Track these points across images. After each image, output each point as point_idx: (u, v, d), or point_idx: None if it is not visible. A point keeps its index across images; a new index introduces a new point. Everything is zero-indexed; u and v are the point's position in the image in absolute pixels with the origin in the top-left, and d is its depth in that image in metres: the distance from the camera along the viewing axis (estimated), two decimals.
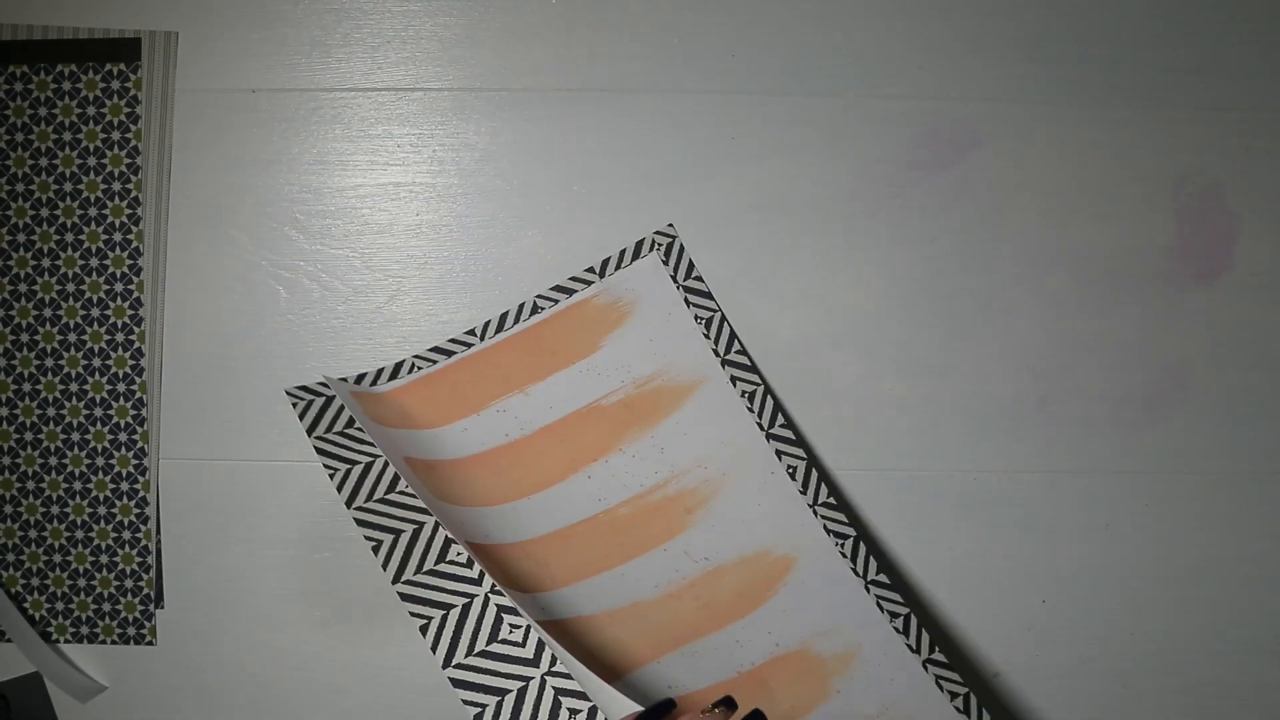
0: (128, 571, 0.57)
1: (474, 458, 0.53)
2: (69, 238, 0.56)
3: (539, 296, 0.55)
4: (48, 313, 0.56)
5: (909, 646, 0.51)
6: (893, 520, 0.56)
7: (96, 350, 0.56)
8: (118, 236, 0.56)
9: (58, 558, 0.57)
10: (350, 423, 0.51)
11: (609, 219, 0.55)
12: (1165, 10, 0.55)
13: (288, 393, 0.50)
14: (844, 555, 0.52)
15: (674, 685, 0.50)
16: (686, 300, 0.54)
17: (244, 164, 0.56)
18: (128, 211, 0.56)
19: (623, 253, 0.55)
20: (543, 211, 0.56)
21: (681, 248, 0.55)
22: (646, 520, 0.53)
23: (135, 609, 0.57)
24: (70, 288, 0.56)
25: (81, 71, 0.56)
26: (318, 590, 0.56)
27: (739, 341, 0.55)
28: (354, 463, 0.50)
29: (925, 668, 0.51)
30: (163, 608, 0.57)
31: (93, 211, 0.56)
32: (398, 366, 0.54)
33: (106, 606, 0.57)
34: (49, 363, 0.57)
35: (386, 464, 0.50)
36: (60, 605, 0.57)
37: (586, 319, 0.55)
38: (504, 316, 0.55)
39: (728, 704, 0.44)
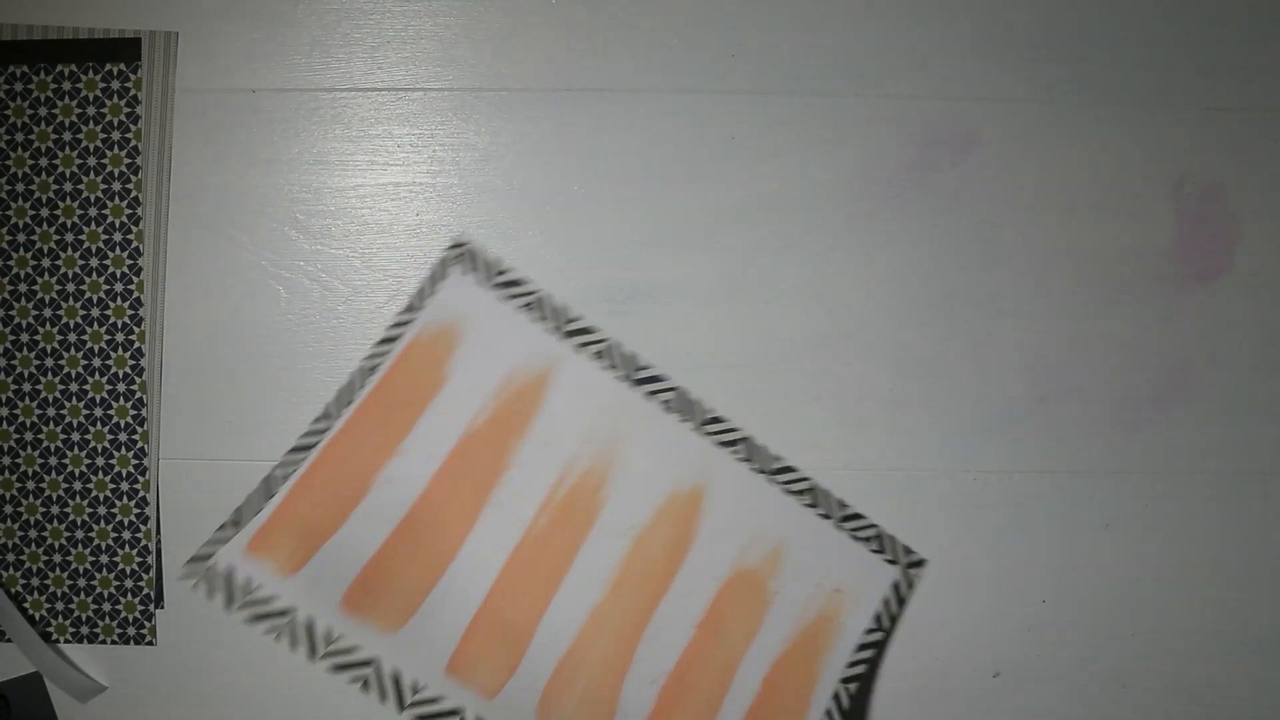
0: (128, 571, 0.57)
1: (393, 539, 0.53)
2: (69, 238, 0.56)
3: (365, 359, 0.54)
4: (48, 313, 0.56)
5: (821, 515, 0.53)
6: (892, 520, 0.56)
7: (96, 350, 0.56)
8: (118, 236, 0.56)
9: (58, 558, 0.57)
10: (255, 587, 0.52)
11: (609, 219, 0.55)
12: (1166, 10, 0.55)
13: (186, 574, 0.52)
14: (743, 460, 0.54)
15: (655, 680, 0.52)
16: (504, 297, 0.54)
17: (244, 164, 0.56)
18: (128, 211, 0.56)
19: (425, 281, 0.54)
20: (543, 211, 0.56)
21: (476, 252, 0.54)
22: (566, 518, 0.54)
23: (135, 609, 0.57)
24: (70, 288, 0.56)
25: (81, 71, 0.56)
26: None
27: (569, 311, 0.54)
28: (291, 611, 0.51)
29: (839, 528, 0.53)
30: (163, 608, 0.57)
31: (93, 211, 0.56)
32: (266, 482, 0.54)
33: (106, 606, 0.57)
34: (49, 363, 0.57)
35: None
36: (60, 605, 0.57)
37: (422, 357, 0.54)
38: (345, 389, 0.55)
39: None
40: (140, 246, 0.56)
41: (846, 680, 0.53)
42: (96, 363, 0.56)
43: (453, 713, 0.52)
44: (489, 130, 0.55)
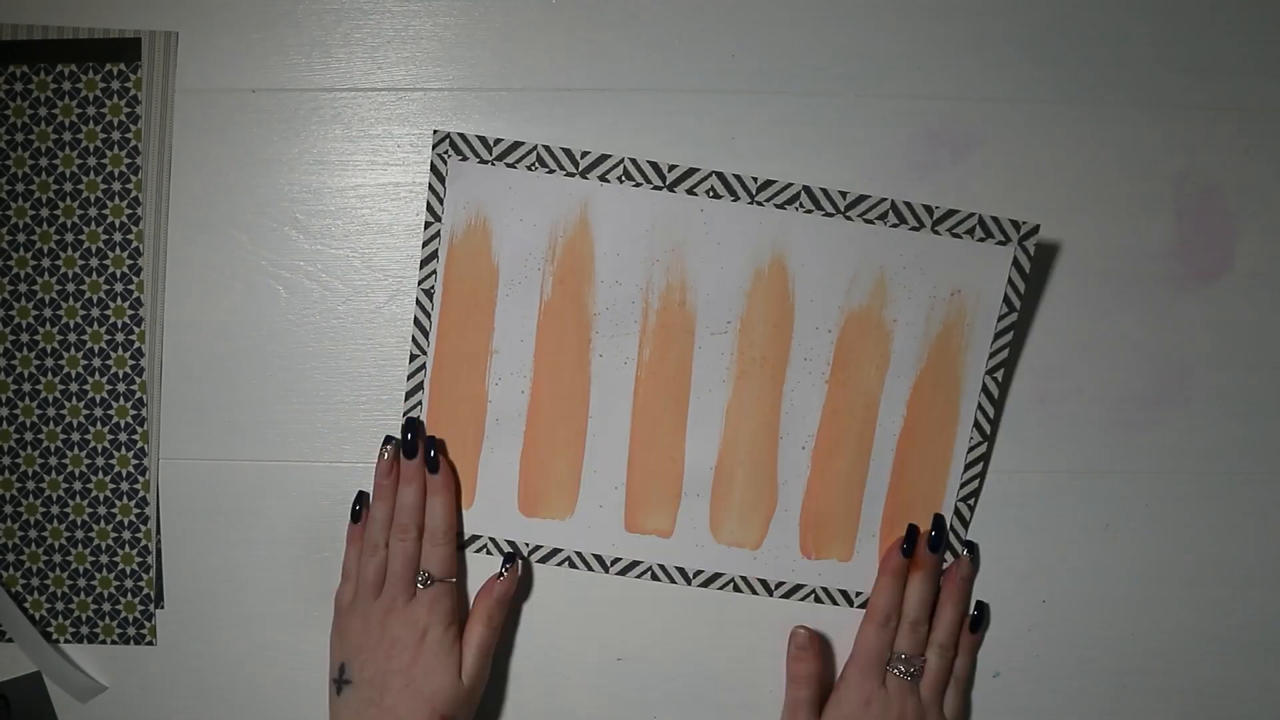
0: (128, 571, 0.57)
1: (530, 433, 0.55)
2: (69, 238, 0.56)
3: (420, 285, 0.55)
4: (48, 313, 0.56)
5: (912, 229, 0.53)
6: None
7: (96, 350, 0.56)
8: (118, 236, 0.56)
9: (58, 558, 0.57)
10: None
11: None
12: (1165, 10, 0.55)
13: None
14: (809, 211, 0.53)
15: (804, 444, 0.55)
16: (508, 165, 0.53)
17: (244, 164, 0.56)
18: (128, 211, 0.56)
19: (430, 188, 0.54)
20: None
21: (458, 138, 0.53)
22: (667, 342, 0.55)
23: (135, 609, 0.57)
24: (70, 288, 0.56)
25: (81, 71, 0.56)
26: (318, 590, 0.56)
27: (575, 150, 0.53)
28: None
29: (936, 233, 0.53)
30: (163, 608, 0.57)
31: (93, 211, 0.56)
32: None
33: (106, 606, 0.57)
34: (49, 363, 0.57)
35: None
36: (60, 605, 0.57)
37: (466, 257, 0.54)
38: (419, 322, 0.55)
39: (509, 560, 0.55)
40: (140, 246, 0.56)
41: (992, 370, 0.53)
42: (96, 363, 0.56)
43: (639, 563, 0.56)
44: (489, 130, 0.55)
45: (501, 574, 0.54)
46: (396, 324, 0.56)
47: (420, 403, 0.55)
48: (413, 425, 0.54)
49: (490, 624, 0.53)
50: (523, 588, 0.56)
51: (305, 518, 0.56)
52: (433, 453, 0.54)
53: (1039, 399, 0.56)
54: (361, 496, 0.55)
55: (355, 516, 0.55)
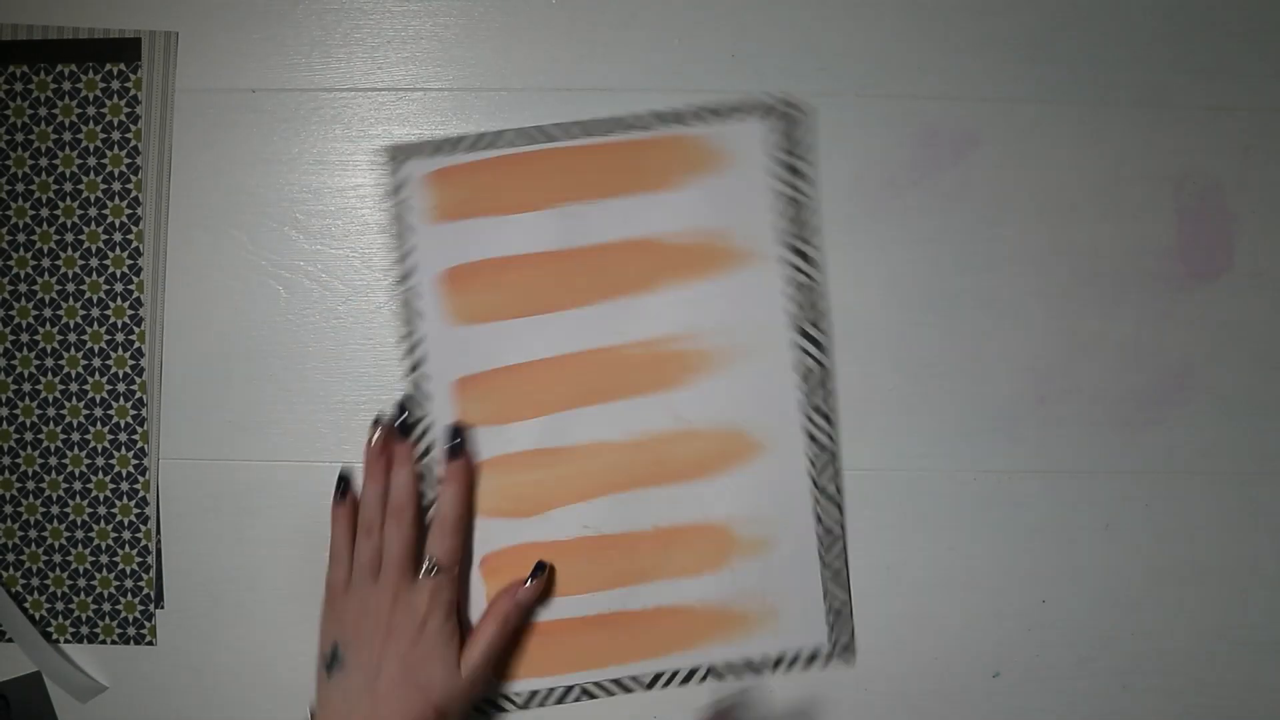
0: (128, 571, 0.57)
1: (523, 257, 0.54)
2: (69, 238, 0.56)
3: (643, 114, 0.54)
4: (48, 313, 0.56)
5: (820, 554, 0.54)
6: (892, 520, 0.56)
7: (96, 350, 0.56)
8: (118, 236, 0.56)
9: (58, 558, 0.57)
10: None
11: None
12: (1165, 10, 0.55)
13: (386, 149, 0.54)
14: (810, 460, 0.54)
15: (587, 526, 0.54)
16: (779, 175, 0.54)
17: (244, 164, 0.56)
18: (128, 211, 0.56)
19: (737, 106, 0.54)
20: None
21: (802, 125, 0.54)
22: (650, 365, 0.54)
23: (135, 609, 0.57)
24: (70, 288, 0.56)
25: (81, 71, 0.56)
26: (318, 590, 0.56)
27: (807, 233, 0.54)
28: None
29: (821, 575, 0.54)
30: (163, 608, 0.57)
31: (93, 211, 0.56)
32: (494, 137, 0.54)
33: (106, 606, 0.57)
34: (49, 363, 0.57)
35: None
36: (60, 605, 0.57)
37: (679, 153, 0.54)
38: (593, 123, 0.54)
39: (539, 570, 0.54)
40: (140, 246, 0.56)
41: None
42: (96, 363, 0.56)
43: None
44: (489, 130, 0.55)
45: (529, 581, 0.54)
46: (396, 324, 0.56)
47: (418, 379, 0.55)
48: (408, 402, 0.54)
49: (504, 626, 0.53)
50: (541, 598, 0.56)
51: (305, 518, 0.56)
52: (459, 439, 0.54)
53: (1039, 399, 0.56)
54: (343, 474, 0.55)
55: (340, 495, 0.54)
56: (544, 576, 0.54)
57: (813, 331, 0.54)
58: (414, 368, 0.55)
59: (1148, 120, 0.55)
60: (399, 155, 0.54)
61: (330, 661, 0.51)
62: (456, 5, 0.55)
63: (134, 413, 0.56)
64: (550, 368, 0.55)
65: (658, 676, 0.55)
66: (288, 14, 0.55)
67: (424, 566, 0.52)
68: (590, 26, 0.55)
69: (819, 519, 0.55)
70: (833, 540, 0.55)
